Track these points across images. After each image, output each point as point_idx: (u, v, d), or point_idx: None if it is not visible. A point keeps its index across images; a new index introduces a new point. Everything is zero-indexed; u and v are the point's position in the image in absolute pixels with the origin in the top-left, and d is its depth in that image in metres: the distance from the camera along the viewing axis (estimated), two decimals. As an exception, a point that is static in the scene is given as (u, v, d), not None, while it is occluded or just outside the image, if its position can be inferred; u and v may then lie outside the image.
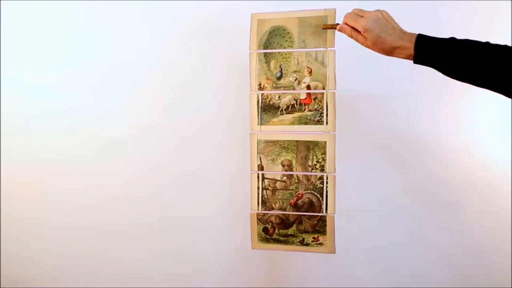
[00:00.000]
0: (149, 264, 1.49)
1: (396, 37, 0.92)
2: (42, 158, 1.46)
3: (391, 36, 0.92)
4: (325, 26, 1.02)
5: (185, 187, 1.45)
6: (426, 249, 1.41)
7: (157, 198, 1.46)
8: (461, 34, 0.92)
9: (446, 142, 1.38)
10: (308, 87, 1.04)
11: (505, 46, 0.85)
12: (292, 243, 1.08)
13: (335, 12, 1.02)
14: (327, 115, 1.04)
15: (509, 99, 0.87)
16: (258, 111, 1.07)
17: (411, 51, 0.90)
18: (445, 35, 0.91)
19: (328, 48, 1.03)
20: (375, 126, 1.40)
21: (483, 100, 1.34)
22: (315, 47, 1.03)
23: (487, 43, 0.86)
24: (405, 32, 0.93)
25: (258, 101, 1.07)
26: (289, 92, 1.05)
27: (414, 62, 0.92)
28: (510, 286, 1.36)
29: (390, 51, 0.93)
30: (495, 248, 1.37)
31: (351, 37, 0.98)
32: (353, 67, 1.24)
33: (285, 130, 1.06)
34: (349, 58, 1.14)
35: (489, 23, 1.32)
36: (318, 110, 1.04)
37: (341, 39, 1.03)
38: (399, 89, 1.38)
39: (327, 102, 1.03)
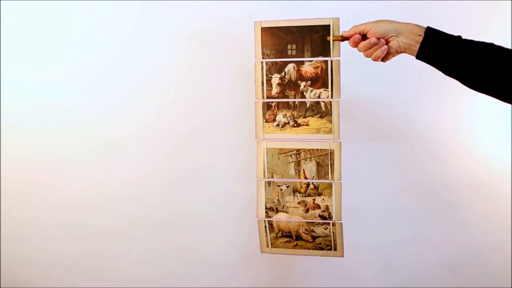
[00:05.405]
0: (149, 264, 1.49)
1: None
2: (42, 157, 1.46)
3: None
4: (335, 38, 1.01)
5: (185, 186, 1.45)
6: (426, 249, 1.42)
7: (157, 197, 1.46)
8: (460, 34, 0.92)
9: (446, 142, 1.39)
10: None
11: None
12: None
13: (339, 20, 1.01)
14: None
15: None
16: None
17: (421, 32, 0.91)
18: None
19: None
20: (375, 126, 1.40)
21: (483, 100, 1.33)
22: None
23: (493, 45, 0.86)
24: None
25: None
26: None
27: (420, 49, 0.91)
28: (510, 286, 1.37)
29: (399, 29, 0.93)
30: (495, 248, 1.38)
31: (357, 42, 0.98)
32: (352, 68, 1.24)
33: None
34: (348, 58, 1.14)
35: (489, 23, 1.32)
36: None
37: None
38: (399, 89, 1.38)
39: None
